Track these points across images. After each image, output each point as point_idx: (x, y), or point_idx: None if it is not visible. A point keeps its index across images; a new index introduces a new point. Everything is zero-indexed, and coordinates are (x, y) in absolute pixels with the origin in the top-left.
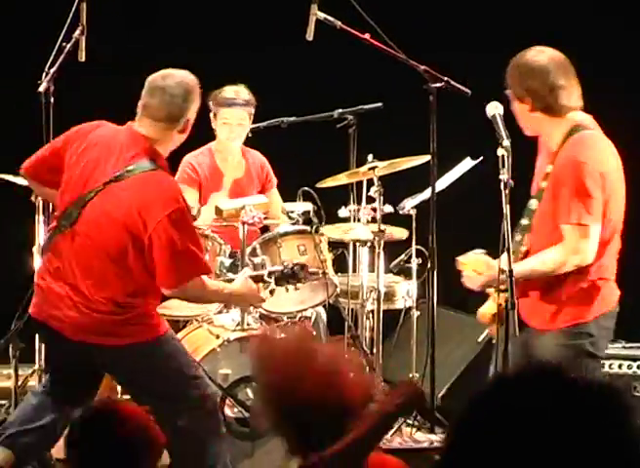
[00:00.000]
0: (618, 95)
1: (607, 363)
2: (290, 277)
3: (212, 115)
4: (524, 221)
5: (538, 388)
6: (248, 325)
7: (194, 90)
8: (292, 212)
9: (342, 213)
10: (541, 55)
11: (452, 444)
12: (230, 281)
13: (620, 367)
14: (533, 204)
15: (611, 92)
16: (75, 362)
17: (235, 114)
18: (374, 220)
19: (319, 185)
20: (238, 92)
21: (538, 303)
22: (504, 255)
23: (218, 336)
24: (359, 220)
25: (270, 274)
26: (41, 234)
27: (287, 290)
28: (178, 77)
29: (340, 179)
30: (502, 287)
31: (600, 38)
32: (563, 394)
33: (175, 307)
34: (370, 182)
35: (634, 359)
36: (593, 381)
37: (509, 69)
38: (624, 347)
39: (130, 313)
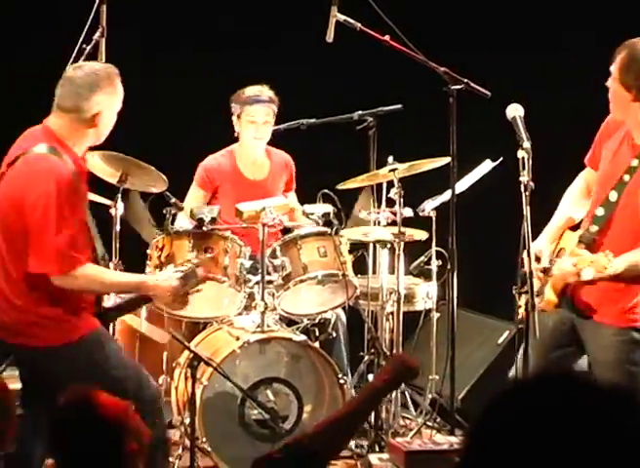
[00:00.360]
0: None
1: None
2: (187, 278)
3: (235, 117)
4: (599, 212)
5: (555, 391)
6: (268, 326)
7: (103, 80)
8: (312, 214)
9: (363, 214)
10: None
11: (470, 446)
12: (249, 281)
13: None
14: (613, 196)
15: None
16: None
17: (261, 111)
18: (393, 223)
19: (339, 187)
20: (261, 90)
21: (611, 297)
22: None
23: (237, 338)
24: (379, 223)
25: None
26: None
27: (190, 294)
28: (87, 67)
29: (361, 181)
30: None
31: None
32: (580, 397)
33: (195, 309)
34: (390, 184)
35: None
36: (610, 384)
37: (627, 55)
38: None
39: (35, 312)
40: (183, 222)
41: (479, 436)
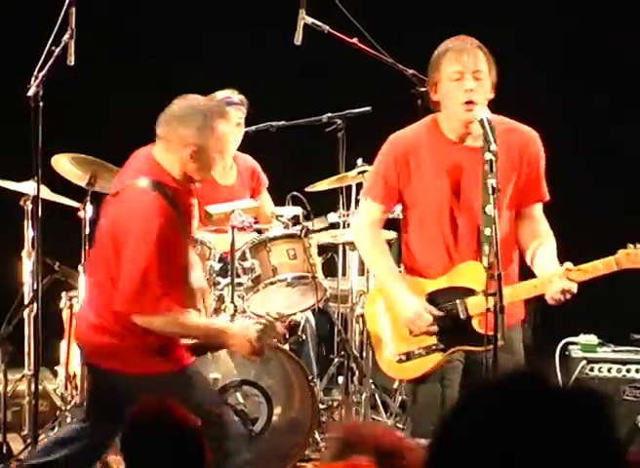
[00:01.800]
0: None
1: (597, 366)
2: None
3: None
4: (487, 231)
5: (518, 396)
6: None
7: (196, 113)
8: (281, 216)
9: (332, 218)
10: None
11: (434, 449)
12: (218, 284)
13: (609, 370)
14: (490, 210)
15: None
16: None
17: (232, 113)
18: None
19: (308, 190)
20: (231, 93)
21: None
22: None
23: None
24: (348, 225)
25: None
26: (31, 239)
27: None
28: (188, 99)
29: (329, 184)
30: (491, 290)
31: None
32: (544, 401)
33: None
34: (359, 187)
35: (623, 363)
36: (575, 387)
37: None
38: (614, 351)
39: (134, 338)
40: None
41: (443, 442)
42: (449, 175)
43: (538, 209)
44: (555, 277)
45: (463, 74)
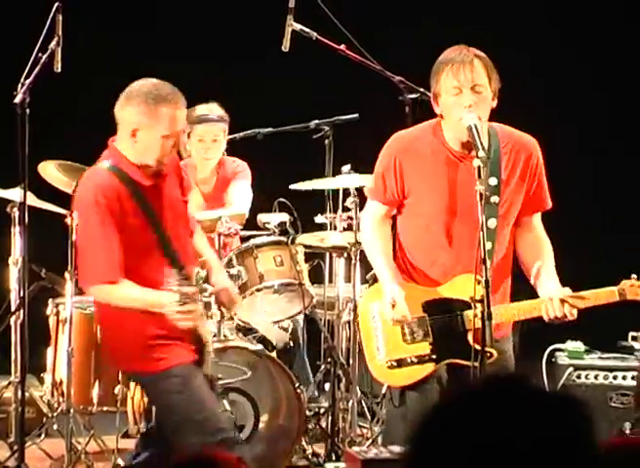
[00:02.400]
0: None
1: (583, 373)
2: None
3: (185, 135)
4: (488, 245)
5: (494, 397)
6: (224, 336)
7: (128, 93)
8: (268, 223)
9: (319, 219)
10: None
11: (411, 451)
12: (205, 290)
13: (596, 377)
14: (492, 223)
15: None
16: None
17: (209, 130)
18: (350, 228)
19: (293, 187)
20: (211, 108)
21: None
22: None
23: None
24: (335, 228)
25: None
26: (18, 245)
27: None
28: (138, 82)
29: (317, 182)
30: (478, 297)
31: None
32: (520, 402)
33: None
34: (346, 190)
35: (610, 369)
36: (553, 392)
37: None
38: (600, 358)
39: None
40: None
41: (419, 446)
42: (449, 184)
43: (537, 217)
44: (555, 301)
45: (462, 89)
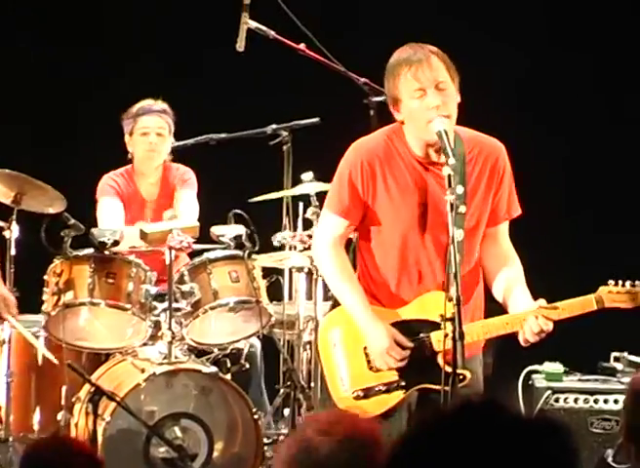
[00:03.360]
0: None
1: (562, 397)
2: None
3: (127, 135)
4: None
5: (471, 425)
6: (176, 358)
7: None
8: (222, 235)
9: (277, 240)
10: None
11: None
12: (155, 309)
13: (575, 401)
14: (459, 234)
15: None
16: None
17: (154, 121)
18: (309, 248)
19: (252, 200)
20: (154, 102)
21: None
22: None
23: (143, 370)
24: (295, 248)
25: None
26: None
27: None
28: None
29: (276, 195)
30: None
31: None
32: (501, 430)
33: (96, 339)
34: (306, 204)
35: (591, 393)
36: (535, 416)
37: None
38: (580, 380)
39: None
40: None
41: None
42: (417, 194)
43: (504, 227)
44: (530, 315)
45: (425, 90)
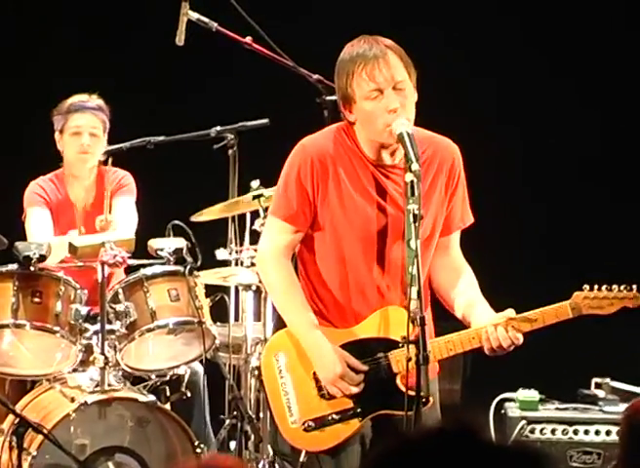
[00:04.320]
0: None
1: (538, 427)
2: None
3: (57, 133)
4: (413, 270)
5: (444, 453)
6: (109, 385)
7: None
8: (161, 249)
9: (221, 255)
10: None
11: None
12: (86, 331)
13: (553, 432)
14: (413, 243)
15: None
16: None
17: (87, 120)
18: None
19: (194, 219)
20: (88, 97)
21: None
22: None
23: (72, 399)
24: (242, 263)
25: None
26: None
27: None
28: None
29: (219, 212)
30: (412, 337)
31: None
32: (475, 459)
33: (20, 365)
34: (255, 214)
35: (570, 423)
36: (512, 444)
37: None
38: (558, 409)
39: None
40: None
41: None
42: (372, 199)
43: (455, 237)
44: (498, 327)
45: (383, 90)
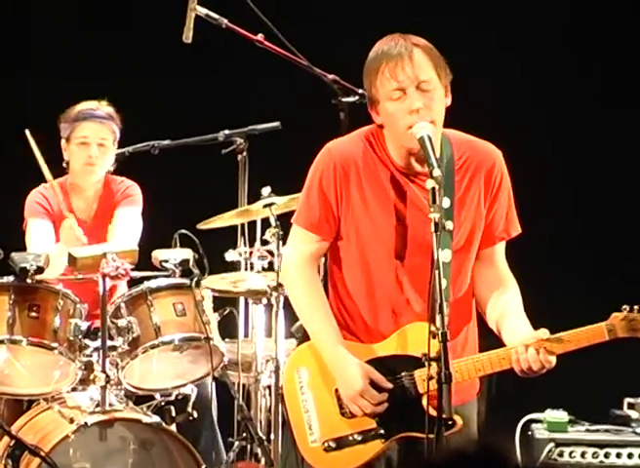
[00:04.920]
0: None
1: (567, 450)
2: None
3: (63, 142)
4: (444, 283)
5: None
6: (111, 405)
7: None
8: (166, 261)
9: (230, 256)
10: None
11: None
12: (86, 347)
13: (583, 455)
14: (446, 255)
15: None
16: None
17: (95, 130)
18: (271, 267)
19: (200, 227)
20: (97, 105)
21: None
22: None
23: (72, 420)
24: (252, 268)
25: None
26: None
27: None
28: None
29: (228, 219)
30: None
31: None
32: None
33: (16, 383)
34: (266, 223)
35: (601, 445)
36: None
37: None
38: (588, 430)
39: None
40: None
41: None
42: (398, 209)
43: (499, 248)
44: (529, 348)
45: (405, 90)
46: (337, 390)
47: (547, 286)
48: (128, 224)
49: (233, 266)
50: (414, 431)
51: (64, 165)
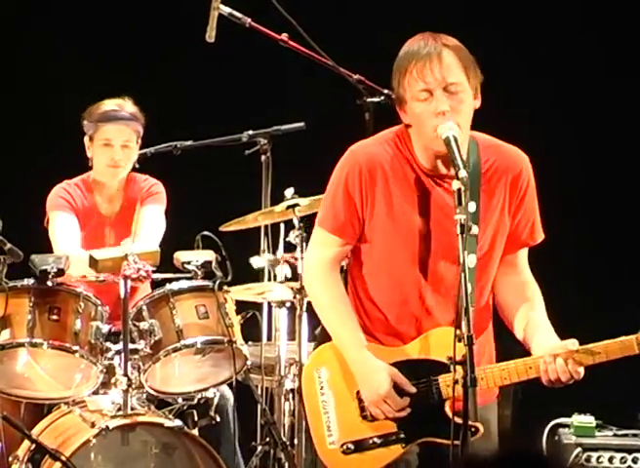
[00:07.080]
0: None
1: (595, 455)
2: None
3: (87, 138)
4: (468, 287)
5: None
6: (132, 409)
7: None
8: (188, 262)
9: (257, 263)
10: None
11: None
12: (107, 350)
13: (610, 460)
14: (472, 260)
15: None
16: None
17: (119, 131)
18: (295, 275)
19: (223, 229)
20: (121, 104)
21: None
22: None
23: (93, 424)
24: (275, 278)
25: None
26: None
27: None
28: None
29: (252, 221)
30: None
31: None
32: None
33: (37, 387)
34: (289, 225)
35: (629, 450)
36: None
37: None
38: (616, 435)
39: None
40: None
41: None
42: (424, 212)
43: (523, 254)
44: (557, 358)
45: (432, 91)
46: (358, 392)
47: (567, 293)
48: (152, 223)
49: (256, 272)
50: (435, 436)
51: (90, 164)
